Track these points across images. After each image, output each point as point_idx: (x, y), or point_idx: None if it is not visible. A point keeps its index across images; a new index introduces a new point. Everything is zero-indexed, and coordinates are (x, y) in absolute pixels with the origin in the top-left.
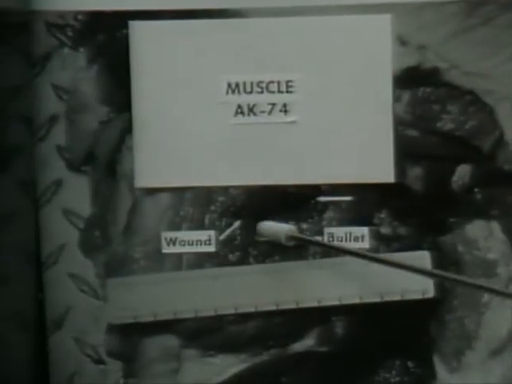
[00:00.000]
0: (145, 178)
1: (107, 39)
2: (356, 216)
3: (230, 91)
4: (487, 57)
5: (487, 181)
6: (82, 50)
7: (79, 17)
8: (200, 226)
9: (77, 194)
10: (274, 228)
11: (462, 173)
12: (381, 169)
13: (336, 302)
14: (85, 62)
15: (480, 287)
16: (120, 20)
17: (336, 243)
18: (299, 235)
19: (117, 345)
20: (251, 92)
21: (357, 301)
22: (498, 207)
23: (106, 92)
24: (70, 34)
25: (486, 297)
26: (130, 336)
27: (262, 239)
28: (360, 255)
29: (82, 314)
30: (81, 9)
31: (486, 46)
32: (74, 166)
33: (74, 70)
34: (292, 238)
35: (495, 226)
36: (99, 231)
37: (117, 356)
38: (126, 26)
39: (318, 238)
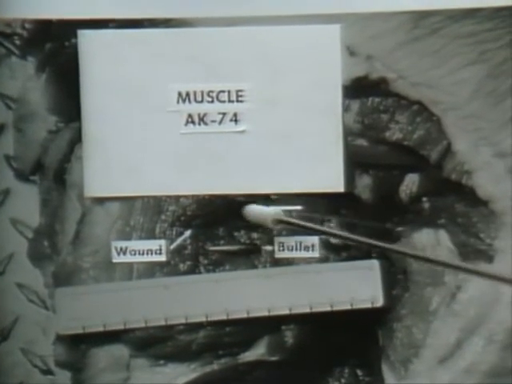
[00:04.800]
0: (94, 188)
1: (56, 48)
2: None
3: (180, 100)
4: (434, 67)
5: (435, 190)
6: (30, 58)
7: (27, 25)
8: (150, 235)
9: (25, 203)
10: (261, 211)
11: (410, 182)
12: (330, 178)
13: (286, 311)
14: (33, 70)
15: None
16: (68, 29)
17: (326, 228)
18: (286, 218)
19: (65, 355)
20: (202, 101)
21: (307, 310)
22: (445, 216)
23: (54, 101)
24: (17, 42)
25: (433, 305)
26: (78, 346)
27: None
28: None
29: (30, 324)
30: (28, 17)
31: (432, 56)
32: (23, 176)
33: (22, 79)
34: (278, 221)
35: (443, 234)
36: (48, 241)
37: (65, 366)
38: (75, 35)
39: (305, 223)
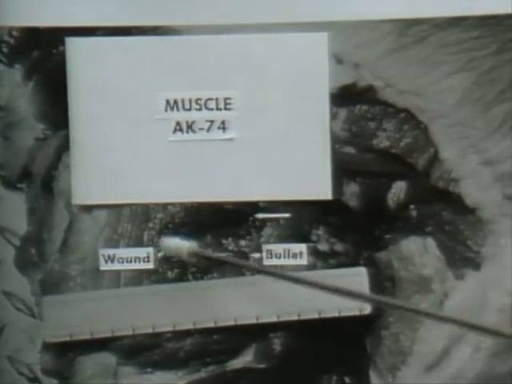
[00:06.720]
0: (82, 196)
1: (43, 55)
2: (294, 233)
3: (168, 108)
4: (421, 75)
5: (422, 198)
6: (17, 66)
7: (14, 33)
8: (138, 243)
9: (13, 211)
10: (176, 244)
11: (398, 189)
12: (318, 186)
13: (274, 319)
14: (20, 78)
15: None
16: (56, 36)
17: (239, 259)
18: (201, 251)
19: (52, 363)
20: (190, 109)
21: (295, 317)
22: (432, 224)
23: (42, 109)
24: (4, 50)
25: None
26: (65, 354)
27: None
28: (263, 271)
29: (16, 332)
30: (16, 24)
31: (419, 64)
32: (10, 183)
33: (9, 87)
34: (193, 254)
35: (430, 242)
36: (35, 249)
37: (52, 374)
38: (63, 43)
39: (220, 254)
